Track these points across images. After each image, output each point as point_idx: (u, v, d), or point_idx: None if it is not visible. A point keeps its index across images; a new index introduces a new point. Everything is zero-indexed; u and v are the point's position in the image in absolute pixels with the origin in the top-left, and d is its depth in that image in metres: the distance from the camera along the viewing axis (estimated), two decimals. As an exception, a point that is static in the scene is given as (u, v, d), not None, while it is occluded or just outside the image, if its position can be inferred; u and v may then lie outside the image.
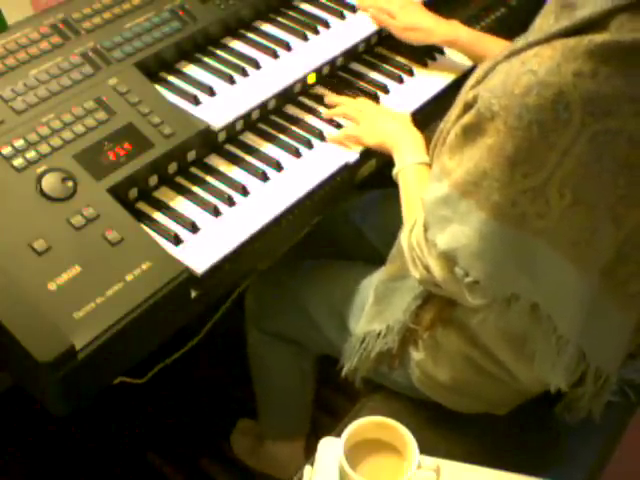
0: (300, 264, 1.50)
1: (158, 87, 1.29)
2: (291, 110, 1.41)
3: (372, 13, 1.51)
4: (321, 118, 1.40)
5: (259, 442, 1.75)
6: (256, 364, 1.62)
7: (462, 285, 1.02)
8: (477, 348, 1.17)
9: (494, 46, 1.38)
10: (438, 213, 1.03)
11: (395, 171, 1.24)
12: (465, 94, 1.05)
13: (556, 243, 0.99)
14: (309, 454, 1.10)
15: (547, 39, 0.95)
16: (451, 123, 1.07)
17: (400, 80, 1.50)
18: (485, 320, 1.07)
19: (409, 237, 1.10)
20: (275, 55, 1.41)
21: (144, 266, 1.05)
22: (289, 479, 1.15)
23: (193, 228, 1.17)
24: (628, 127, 0.93)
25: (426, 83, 1.50)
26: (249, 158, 1.31)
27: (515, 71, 0.94)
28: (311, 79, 1.44)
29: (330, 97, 1.41)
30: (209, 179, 1.26)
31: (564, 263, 1.00)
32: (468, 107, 1.02)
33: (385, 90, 1.47)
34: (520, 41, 1.01)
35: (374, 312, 1.27)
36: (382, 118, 1.34)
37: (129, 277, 1.04)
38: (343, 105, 1.39)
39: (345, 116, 1.37)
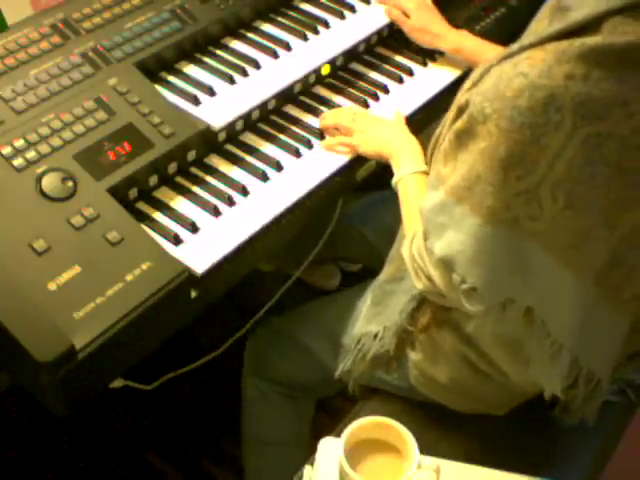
0: (295, 310, 1.49)
1: (158, 87, 1.29)
2: (291, 110, 1.41)
3: (388, 8, 1.53)
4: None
5: None
6: (250, 421, 1.55)
7: (459, 292, 1.01)
8: (472, 348, 1.17)
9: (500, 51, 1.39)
10: (435, 221, 1.03)
11: (394, 181, 1.23)
12: (460, 97, 1.05)
13: (550, 247, 0.99)
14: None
15: (540, 42, 0.95)
16: (446, 128, 1.07)
17: (400, 80, 1.50)
18: (481, 326, 1.07)
19: (410, 248, 1.09)
20: (275, 55, 1.41)
21: (144, 266, 1.05)
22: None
23: (193, 228, 1.17)
24: (619, 131, 0.93)
25: (426, 83, 1.50)
26: (249, 158, 1.31)
27: (507, 74, 0.94)
28: (312, 78, 1.44)
29: (322, 120, 1.38)
30: (209, 179, 1.26)
31: (559, 267, 1.00)
32: (461, 112, 1.02)
33: (385, 90, 1.47)
34: (515, 45, 1.00)
35: (371, 314, 1.26)
36: (377, 126, 1.34)
37: (129, 277, 1.04)
38: (336, 115, 1.37)
39: (338, 126, 1.35)
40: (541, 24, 1.02)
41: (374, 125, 1.34)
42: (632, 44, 0.91)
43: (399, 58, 1.55)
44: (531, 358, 1.09)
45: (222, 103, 1.31)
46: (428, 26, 1.50)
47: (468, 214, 0.98)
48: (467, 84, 1.05)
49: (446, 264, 1.01)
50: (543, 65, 0.92)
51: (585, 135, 0.92)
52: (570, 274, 1.00)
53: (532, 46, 0.95)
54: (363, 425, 0.98)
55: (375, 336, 1.24)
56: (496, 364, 1.17)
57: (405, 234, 1.16)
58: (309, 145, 1.34)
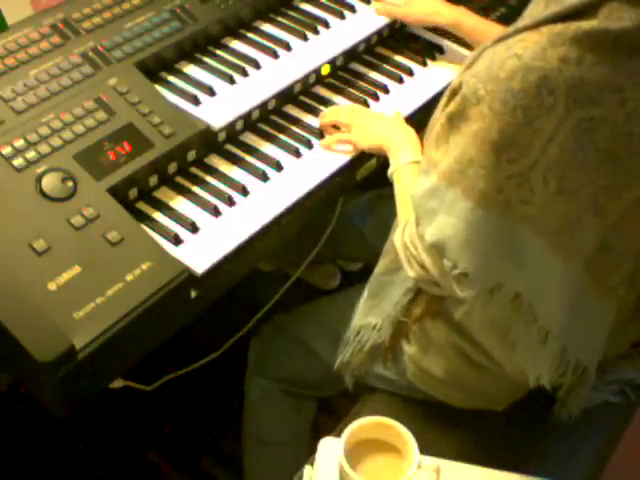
0: (298, 310, 1.49)
1: (158, 87, 1.29)
2: (291, 110, 1.41)
3: (377, 7, 1.53)
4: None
5: None
6: (252, 421, 1.54)
7: (450, 278, 1.01)
8: (466, 339, 1.17)
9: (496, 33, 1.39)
10: (426, 206, 1.02)
11: (390, 171, 1.23)
12: (454, 80, 1.04)
13: (541, 231, 0.98)
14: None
15: (535, 25, 0.94)
16: (439, 112, 1.06)
17: (400, 80, 1.50)
18: (469, 312, 1.06)
19: (402, 236, 1.09)
20: (275, 55, 1.41)
21: (144, 266, 1.05)
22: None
23: (193, 228, 1.17)
24: (612, 117, 0.93)
25: (426, 83, 1.49)
26: (249, 158, 1.31)
27: (500, 56, 0.94)
28: (312, 78, 1.44)
29: (321, 118, 1.38)
30: (209, 179, 1.26)
31: (549, 252, 0.99)
32: (454, 94, 1.01)
33: (385, 90, 1.47)
34: (510, 27, 1.00)
35: (368, 306, 1.26)
36: (375, 120, 1.34)
37: (129, 277, 1.04)
38: (334, 112, 1.37)
39: (337, 123, 1.35)
40: (537, 7, 1.01)
41: (372, 120, 1.34)
42: (627, 30, 0.91)
43: (399, 58, 1.55)
44: (517, 342, 1.08)
45: (222, 103, 1.31)
46: (420, 5, 1.50)
47: (460, 198, 0.98)
48: (461, 68, 1.05)
49: (437, 249, 1.01)
50: (537, 47, 0.91)
51: (577, 119, 0.92)
52: (560, 259, 1.00)
53: (527, 29, 0.95)
54: (363, 425, 0.98)
55: (374, 327, 1.24)
56: (489, 353, 1.16)
57: (399, 223, 1.16)
58: (309, 145, 1.34)
